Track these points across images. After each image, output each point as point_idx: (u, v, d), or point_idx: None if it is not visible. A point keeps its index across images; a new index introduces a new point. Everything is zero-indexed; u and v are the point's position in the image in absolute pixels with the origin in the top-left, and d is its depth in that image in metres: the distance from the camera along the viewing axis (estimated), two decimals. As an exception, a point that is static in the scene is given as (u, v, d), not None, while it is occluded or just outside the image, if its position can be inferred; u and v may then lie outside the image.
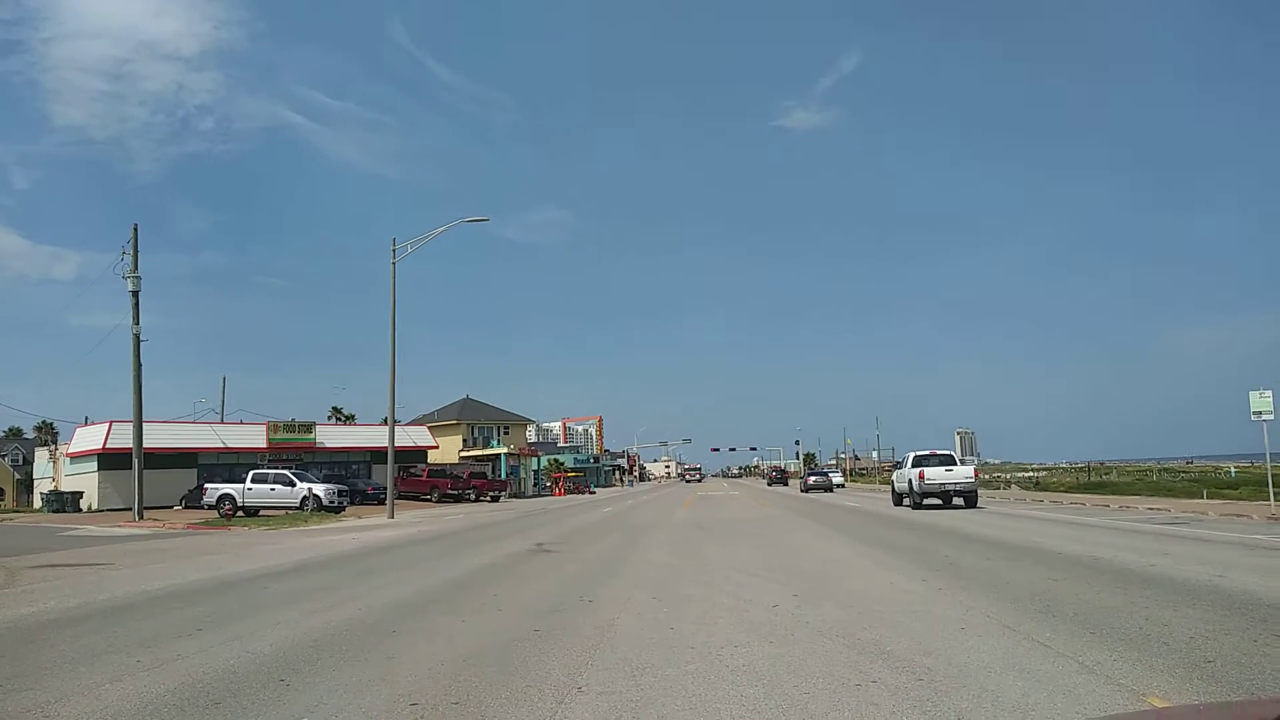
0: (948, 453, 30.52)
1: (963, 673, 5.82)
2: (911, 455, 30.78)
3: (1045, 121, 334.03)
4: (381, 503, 40.70)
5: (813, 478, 62.61)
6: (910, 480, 29.74)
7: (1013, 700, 5.17)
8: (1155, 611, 7.89)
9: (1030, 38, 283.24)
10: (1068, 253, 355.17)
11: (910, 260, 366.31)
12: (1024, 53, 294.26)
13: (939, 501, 29.51)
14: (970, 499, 28.86)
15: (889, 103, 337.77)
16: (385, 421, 46.75)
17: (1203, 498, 32.24)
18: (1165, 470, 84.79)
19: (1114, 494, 39.37)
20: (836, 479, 71.52)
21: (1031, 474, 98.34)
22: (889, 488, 37.29)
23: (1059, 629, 7.19)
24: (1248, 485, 38.15)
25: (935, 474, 28.93)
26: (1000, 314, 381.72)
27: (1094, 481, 54.30)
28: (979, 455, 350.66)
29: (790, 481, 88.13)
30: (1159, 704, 5.02)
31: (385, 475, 36.31)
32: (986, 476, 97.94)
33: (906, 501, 30.30)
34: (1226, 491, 36.24)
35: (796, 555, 14.38)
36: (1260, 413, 22.51)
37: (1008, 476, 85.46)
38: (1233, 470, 73.77)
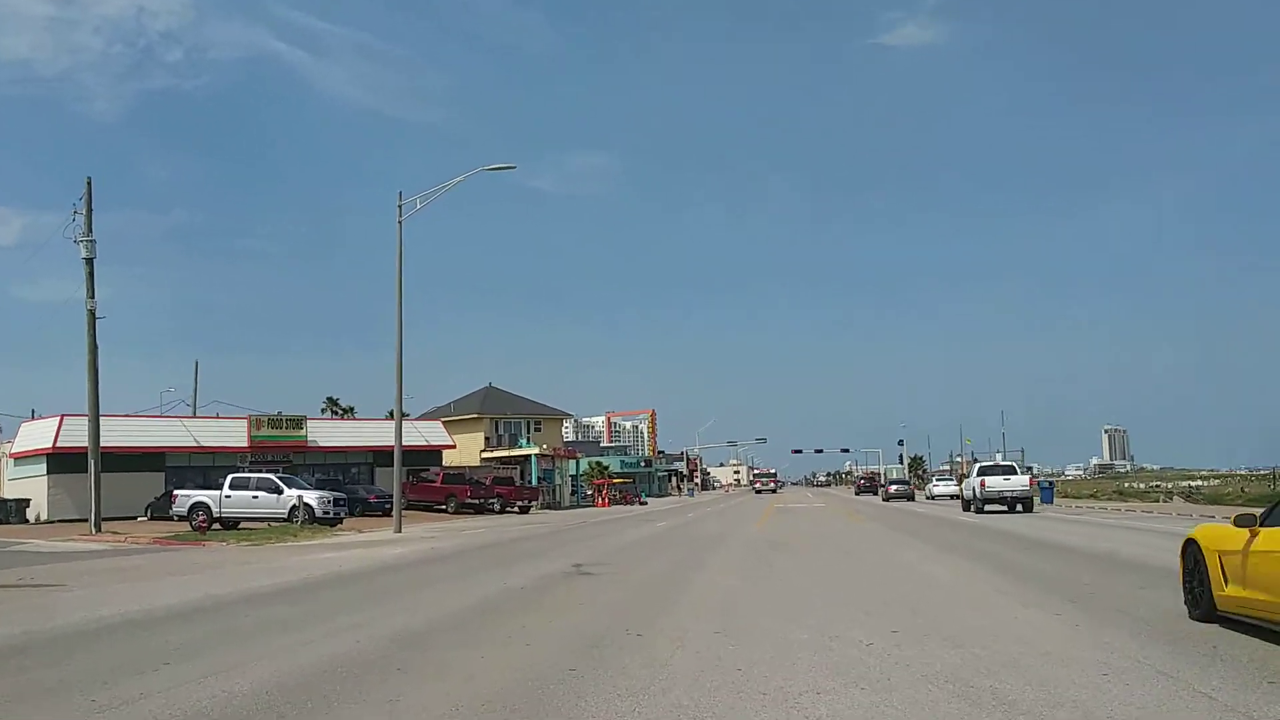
0: (1009, 464, 43.65)
1: (1104, 728, 5.75)
2: (978, 465, 44.67)
3: (1215, 47, 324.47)
4: (386, 513, 41.25)
5: (894, 486, 74.17)
6: (974, 488, 40.61)
7: (1167, 763, 5.09)
8: (1355, 656, 7.70)
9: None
10: (1243, 210, 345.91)
11: (1044, 217, 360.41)
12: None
13: (1003, 508, 40.09)
14: (1027, 505, 40.12)
15: (1016, 11, 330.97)
16: (391, 415, 47.37)
17: None
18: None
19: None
20: (951, 488, 71.46)
21: (1199, 483, 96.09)
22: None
23: (1227, 677, 7.05)
24: None
25: (995, 482, 39.90)
26: (1163, 284, 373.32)
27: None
28: (1132, 457, 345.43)
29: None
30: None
31: (391, 480, 36.79)
32: (1142, 485, 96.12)
33: (972, 508, 40.76)
34: None
35: (895, 579, 14.35)
36: None
37: (1168, 486, 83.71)
38: None
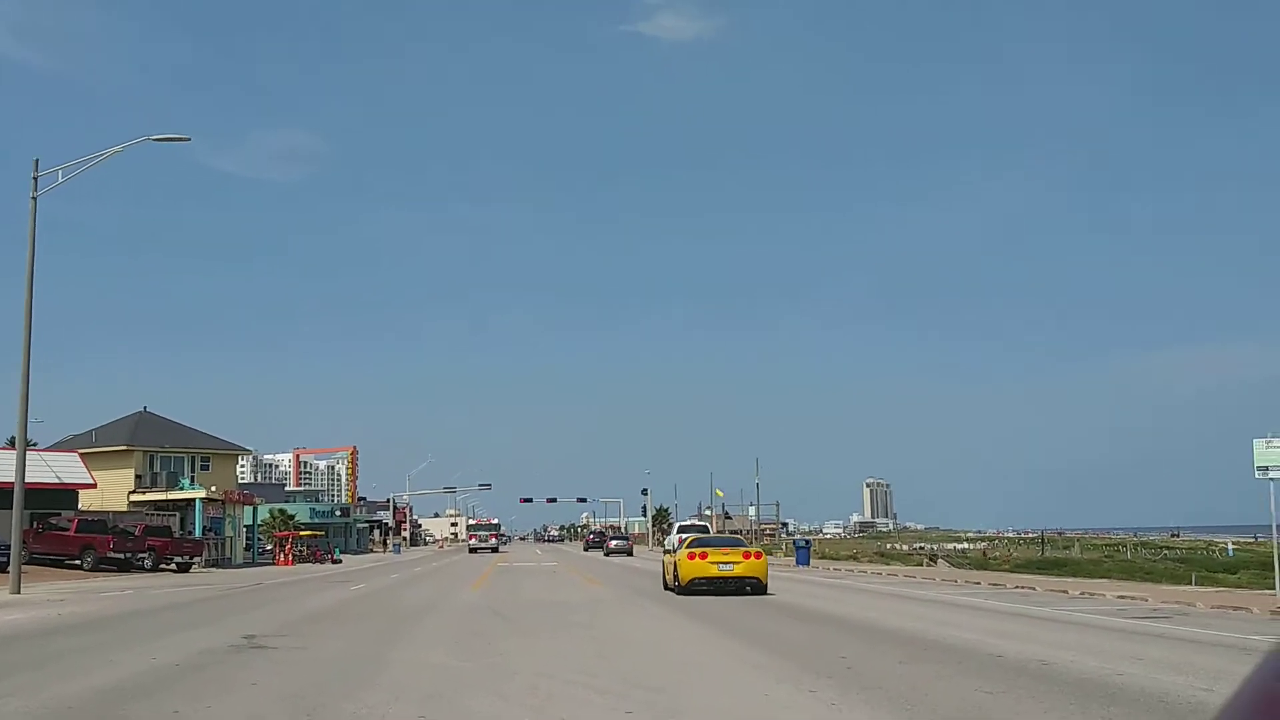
0: (704, 524, 56.84)
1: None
2: (677, 525, 57.22)
3: (1045, 20, 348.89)
4: (1, 569, 38.82)
5: (614, 542, 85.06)
6: (674, 544, 46.66)
7: None
8: (1121, 737, 8.42)
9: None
10: (1055, 212, 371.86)
11: (823, 229, 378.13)
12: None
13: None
14: None
15: (798, 6, 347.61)
16: (12, 444, 44.34)
17: (1190, 583, 34.74)
18: (1143, 544, 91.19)
19: (1075, 575, 41.87)
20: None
21: (966, 544, 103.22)
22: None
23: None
24: (1249, 569, 41.40)
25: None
26: (943, 307, 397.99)
27: (1049, 558, 57.57)
28: (895, 515, 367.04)
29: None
30: None
31: (8, 527, 34.63)
32: (905, 547, 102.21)
33: None
34: (1221, 576, 39.22)
35: (635, 653, 14.70)
36: (1267, 468, 24.11)
37: (933, 549, 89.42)
38: (1230, 548, 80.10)
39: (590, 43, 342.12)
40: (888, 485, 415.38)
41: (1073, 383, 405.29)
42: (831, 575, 44.13)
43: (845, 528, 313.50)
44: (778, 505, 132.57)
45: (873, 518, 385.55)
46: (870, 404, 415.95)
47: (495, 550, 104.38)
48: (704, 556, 27.71)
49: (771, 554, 78.80)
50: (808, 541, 65.33)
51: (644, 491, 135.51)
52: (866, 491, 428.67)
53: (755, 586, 27.96)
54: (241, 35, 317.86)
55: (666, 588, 29.88)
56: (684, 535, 49.79)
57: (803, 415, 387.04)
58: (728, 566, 27.58)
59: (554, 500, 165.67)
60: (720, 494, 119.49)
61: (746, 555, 28.45)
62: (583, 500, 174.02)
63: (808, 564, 54.72)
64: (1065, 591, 30.65)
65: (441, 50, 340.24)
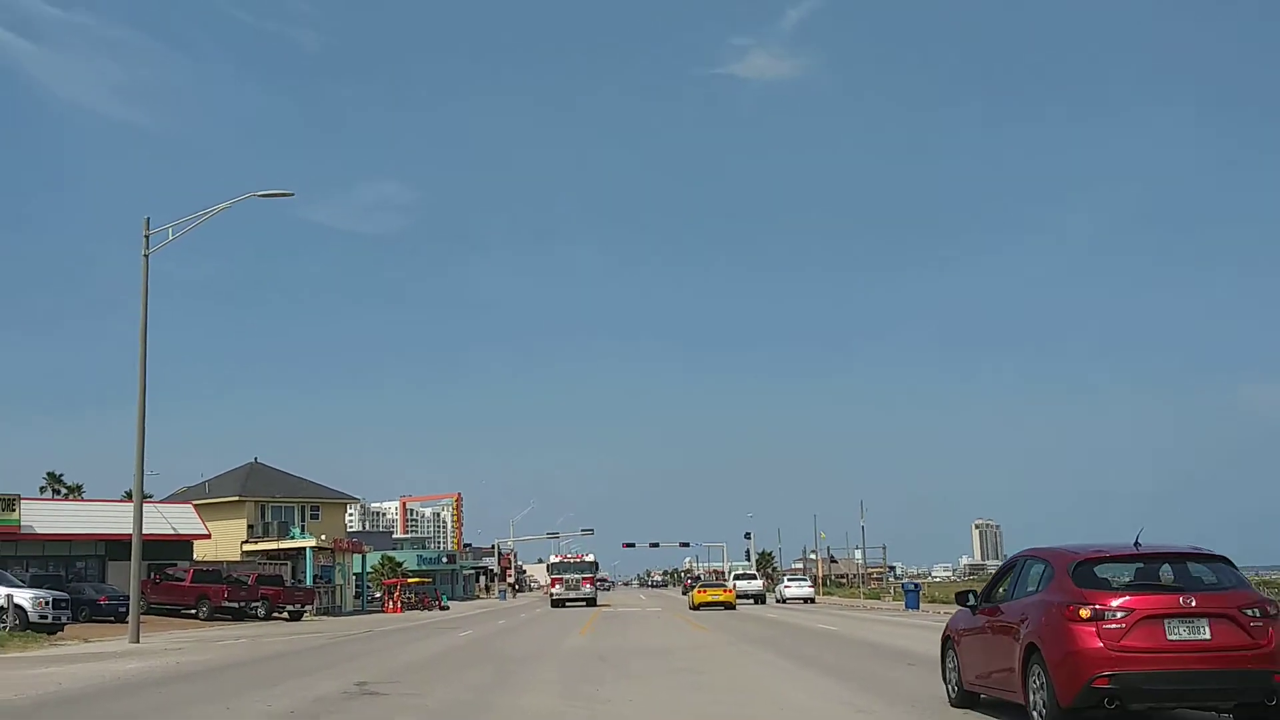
0: (753, 573, 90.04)
1: None
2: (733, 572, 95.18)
3: (1110, 61, 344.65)
4: (121, 619, 39.54)
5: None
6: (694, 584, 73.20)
7: None
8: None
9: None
10: (1148, 255, 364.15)
11: (915, 273, 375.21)
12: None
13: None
14: (760, 599, 72.23)
15: (884, 44, 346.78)
16: (129, 496, 45.37)
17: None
18: (1264, 584, 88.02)
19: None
20: (805, 590, 72.85)
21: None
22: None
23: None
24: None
25: (740, 585, 70.46)
26: (1045, 348, 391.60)
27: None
28: (1004, 557, 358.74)
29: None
30: None
31: (127, 578, 35.29)
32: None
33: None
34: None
35: (751, 705, 14.38)
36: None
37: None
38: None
39: (677, 86, 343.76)
40: (997, 526, 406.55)
41: (1180, 418, 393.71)
42: (942, 619, 43.27)
43: (955, 570, 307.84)
44: (884, 548, 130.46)
45: (983, 559, 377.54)
46: (978, 445, 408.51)
47: (591, 603, 65.37)
48: (704, 592, 56.88)
49: (879, 598, 77.67)
50: (916, 585, 63.92)
51: (747, 535, 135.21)
52: (976, 533, 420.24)
53: (728, 606, 53.72)
54: (332, 88, 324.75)
55: (690, 607, 55.83)
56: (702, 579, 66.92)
57: (910, 457, 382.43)
58: (716, 596, 55.09)
59: (656, 545, 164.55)
60: (824, 536, 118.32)
61: (726, 591, 56.95)
62: (685, 545, 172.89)
63: (917, 608, 53.76)
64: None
65: (525, 99, 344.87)
